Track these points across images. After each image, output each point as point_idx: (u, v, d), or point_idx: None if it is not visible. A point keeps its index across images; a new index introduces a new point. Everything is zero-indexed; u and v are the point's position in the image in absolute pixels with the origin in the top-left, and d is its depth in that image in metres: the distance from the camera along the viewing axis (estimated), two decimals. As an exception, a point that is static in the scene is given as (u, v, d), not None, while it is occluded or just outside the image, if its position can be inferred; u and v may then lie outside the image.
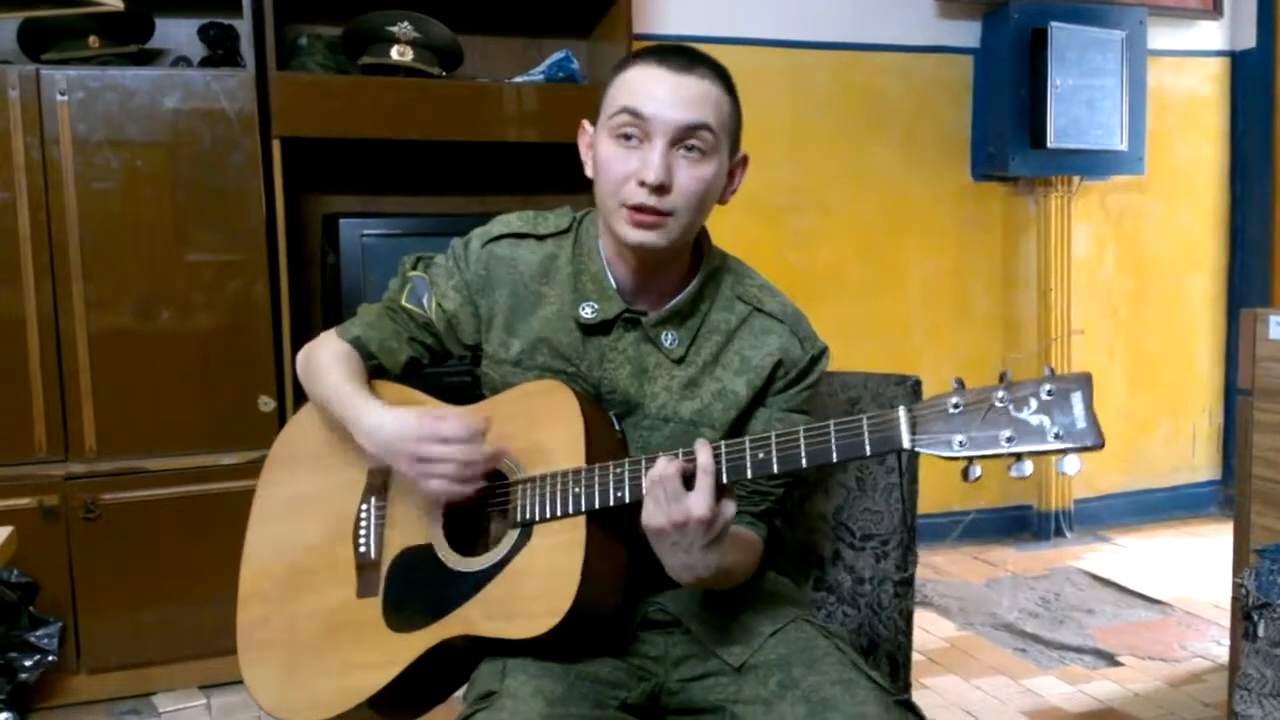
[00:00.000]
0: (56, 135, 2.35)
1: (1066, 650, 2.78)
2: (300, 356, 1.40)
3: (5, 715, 2.27)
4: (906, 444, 1.01)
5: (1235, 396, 3.84)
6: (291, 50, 2.78)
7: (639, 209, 1.19)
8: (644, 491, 1.10)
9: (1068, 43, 3.43)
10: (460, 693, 1.26)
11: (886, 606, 1.46)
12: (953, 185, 3.64)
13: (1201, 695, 2.50)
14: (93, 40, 2.45)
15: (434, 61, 2.70)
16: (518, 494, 1.20)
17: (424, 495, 1.22)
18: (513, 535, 1.20)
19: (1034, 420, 0.96)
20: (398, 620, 1.22)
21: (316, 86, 2.61)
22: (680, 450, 1.11)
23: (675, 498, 1.08)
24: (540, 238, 1.32)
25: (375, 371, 1.37)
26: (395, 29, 2.62)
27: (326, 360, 1.35)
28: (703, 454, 1.08)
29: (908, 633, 1.47)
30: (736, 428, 1.28)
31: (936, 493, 3.41)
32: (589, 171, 1.28)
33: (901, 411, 1.02)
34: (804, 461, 1.07)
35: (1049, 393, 0.96)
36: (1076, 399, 0.95)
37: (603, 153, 1.22)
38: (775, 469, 1.08)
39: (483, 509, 1.26)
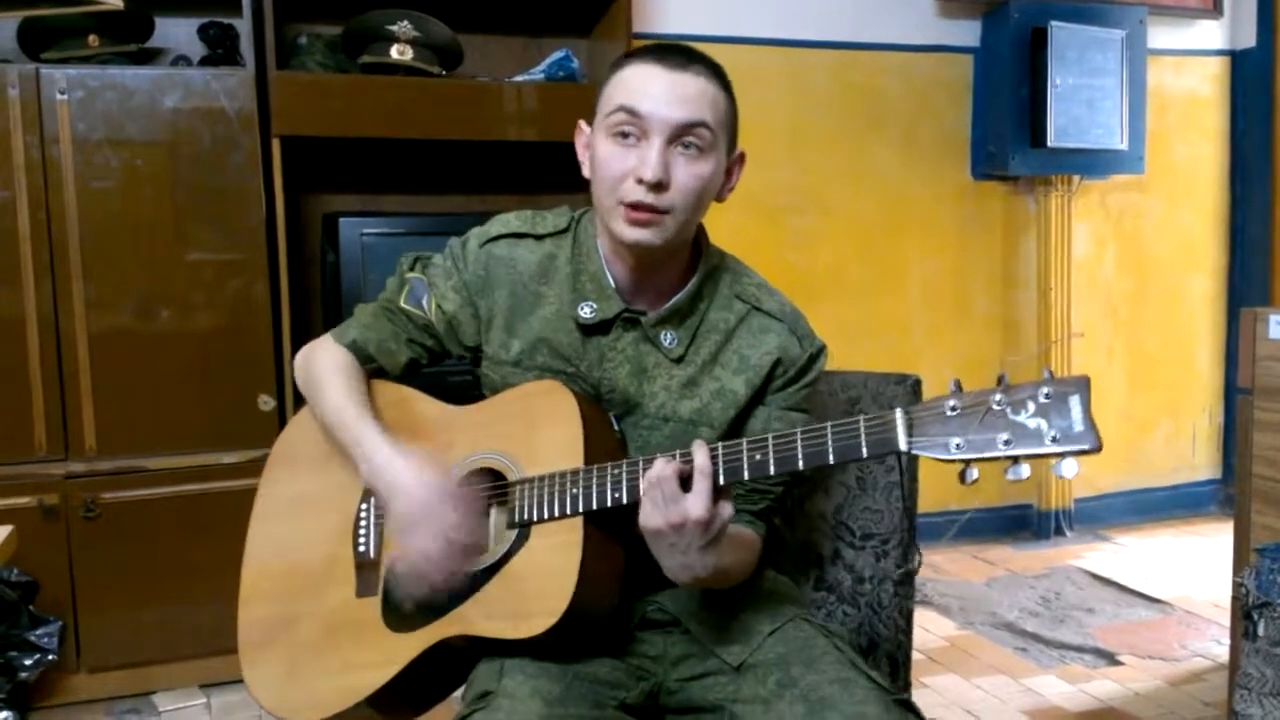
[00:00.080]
0: (56, 134, 2.35)
1: (1067, 649, 2.78)
2: (298, 362, 1.39)
3: (5, 714, 2.27)
4: (903, 446, 1.01)
5: (1235, 395, 3.84)
6: (291, 49, 2.78)
7: (636, 207, 1.18)
8: (641, 493, 1.10)
9: (1068, 42, 3.43)
10: (459, 692, 1.26)
11: (886, 605, 1.46)
12: (953, 185, 3.64)
13: (1201, 694, 2.50)
14: (92, 39, 2.45)
15: (434, 60, 2.70)
16: (516, 494, 1.20)
17: (394, 562, 1.22)
18: (511, 535, 1.20)
19: (1031, 423, 0.96)
20: (396, 620, 1.22)
21: (316, 86, 2.61)
22: (678, 451, 1.11)
23: (673, 499, 1.08)
24: (539, 237, 1.32)
25: (374, 373, 1.36)
26: (395, 28, 2.62)
27: (325, 371, 1.34)
28: (700, 455, 1.08)
29: (908, 632, 1.47)
30: (735, 427, 1.28)
31: (936, 492, 3.41)
32: (586, 172, 1.27)
33: (898, 414, 1.02)
34: (801, 463, 1.07)
35: (1047, 396, 0.96)
36: (1074, 402, 0.95)
37: (600, 151, 1.22)
38: (772, 470, 1.08)
39: (482, 509, 1.26)
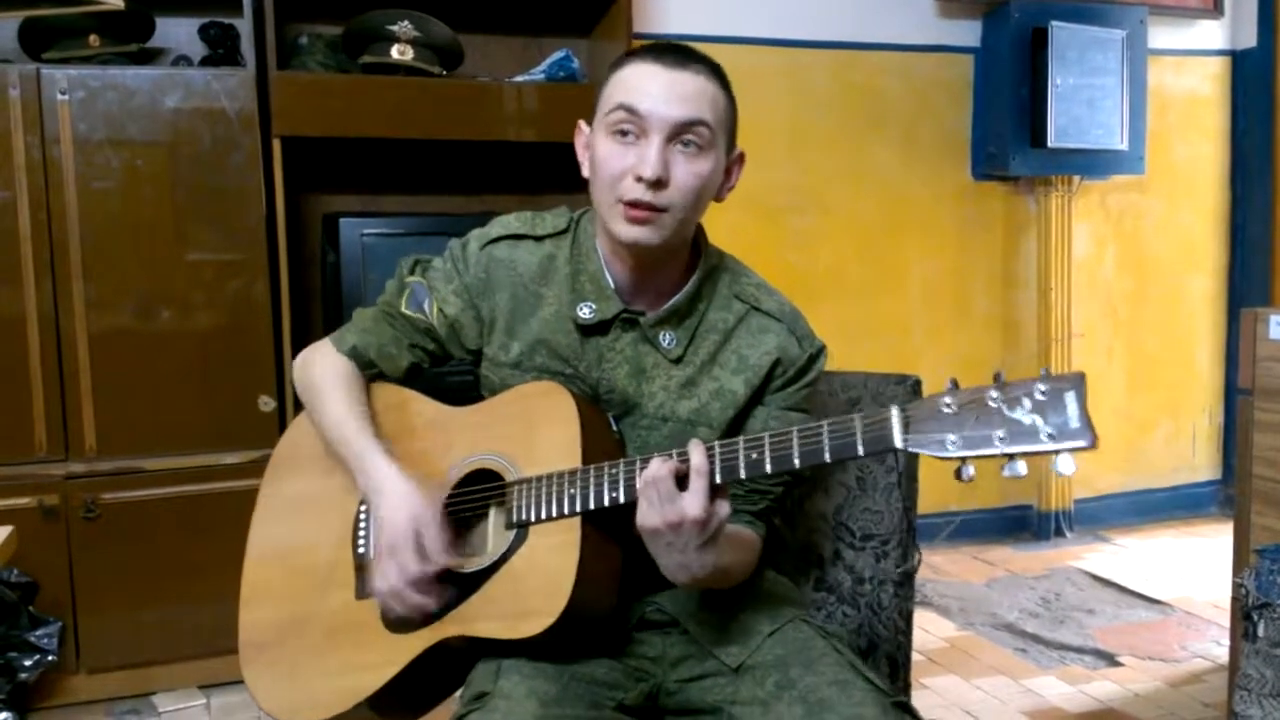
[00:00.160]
0: (57, 134, 2.35)
1: (1067, 650, 2.78)
2: (297, 368, 1.39)
3: (5, 715, 2.27)
4: (899, 443, 1.00)
5: (1235, 396, 3.84)
6: (292, 49, 2.78)
7: (635, 205, 1.18)
8: (638, 492, 1.10)
9: (1068, 42, 3.43)
10: (460, 693, 1.26)
11: (886, 606, 1.46)
12: (953, 185, 3.64)
13: (1201, 695, 2.50)
14: (93, 39, 2.45)
15: (434, 61, 2.70)
16: (514, 495, 1.20)
17: (374, 582, 1.22)
18: (509, 536, 1.20)
19: (1027, 420, 0.96)
20: (395, 621, 1.22)
21: (317, 86, 2.61)
22: (674, 450, 1.11)
23: (669, 499, 1.07)
24: (538, 238, 1.32)
25: (375, 378, 1.36)
26: (396, 28, 2.62)
27: (324, 379, 1.33)
28: (696, 454, 1.08)
29: (908, 633, 1.47)
30: (734, 427, 1.27)
31: (936, 493, 3.41)
32: (585, 172, 1.27)
33: (894, 411, 1.01)
34: (797, 461, 1.06)
35: (1042, 392, 0.95)
36: (1070, 398, 0.94)
37: (600, 150, 1.22)
38: (769, 469, 1.07)
39: (480, 510, 1.26)
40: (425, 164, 3.00)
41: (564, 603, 1.12)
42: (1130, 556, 3.57)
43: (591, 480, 1.15)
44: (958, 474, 0.99)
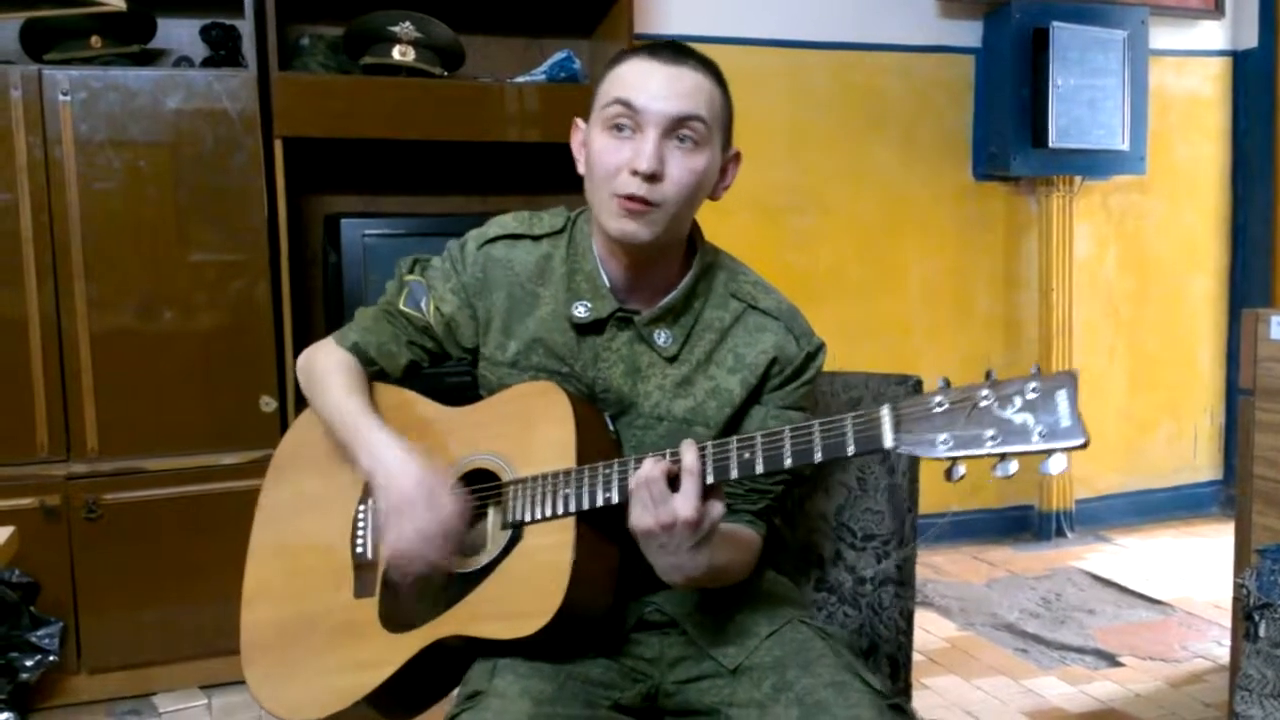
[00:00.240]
0: (59, 135, 2.36)
1: (1067, 650, 2.78)
2: (300, 364, 1.40)
3: (6, 715, 2.27)
4: (890, 444, 1.00)
5: (1237, 396, 3.83)
6: (293, 50, 2.78)
7: (629, 198, 1.18)
8: (630, 494, 1.10)
9: (1069, 42, 3.43)
10: (457, 691, 1.27)
11: (887, 607, 1.46)
12: (954, 185, 3.64)
13: (1202, 696, 2.50)
14: (95, 40, 2.45)
15: (435, 61, 2.70)
16: (510, 495, 1.21)
17: (384, 546, 1.22)
18: (504, 536, 1.20)
19: (1018, 419, 0.95)
20: (393, 620, 1.23)
21: (318, 86, 2.61)
22: (667, 451, 1.11)
23: (661, 500, 1.07)
24: (535, 238, 1.32)
25: (375, 376, 1.37)
26: (397, 29, 2.62)
27: (327, 371, 1.34)
28: (688, 455, 1.08)
29: (908, 633, 1.47)
30: (731, 426, 1.27)
31: (936, 492, 3.41)
32: (581, 169, 1.27)
33: (885, 411, 1.01)
34: (788, 462, 1.06)
35: (1034, 391, 0.94)
36: (1061, 397, 0.94)
37: (595, 145, 1.22)
38: (760, 469, 1.07)
39: (479, 510, 1.26)
40: (426, 165, 3.00)
41: (558, 603, 1.12)
42: (1131, 557, 3.57)
43: (585, 481, 1.15)
44: (948, 474, 0.99)
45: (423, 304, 1.33)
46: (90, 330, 2.41)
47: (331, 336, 1.39)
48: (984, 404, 0.96)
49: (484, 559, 1.20)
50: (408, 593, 1.23)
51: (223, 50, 2.64)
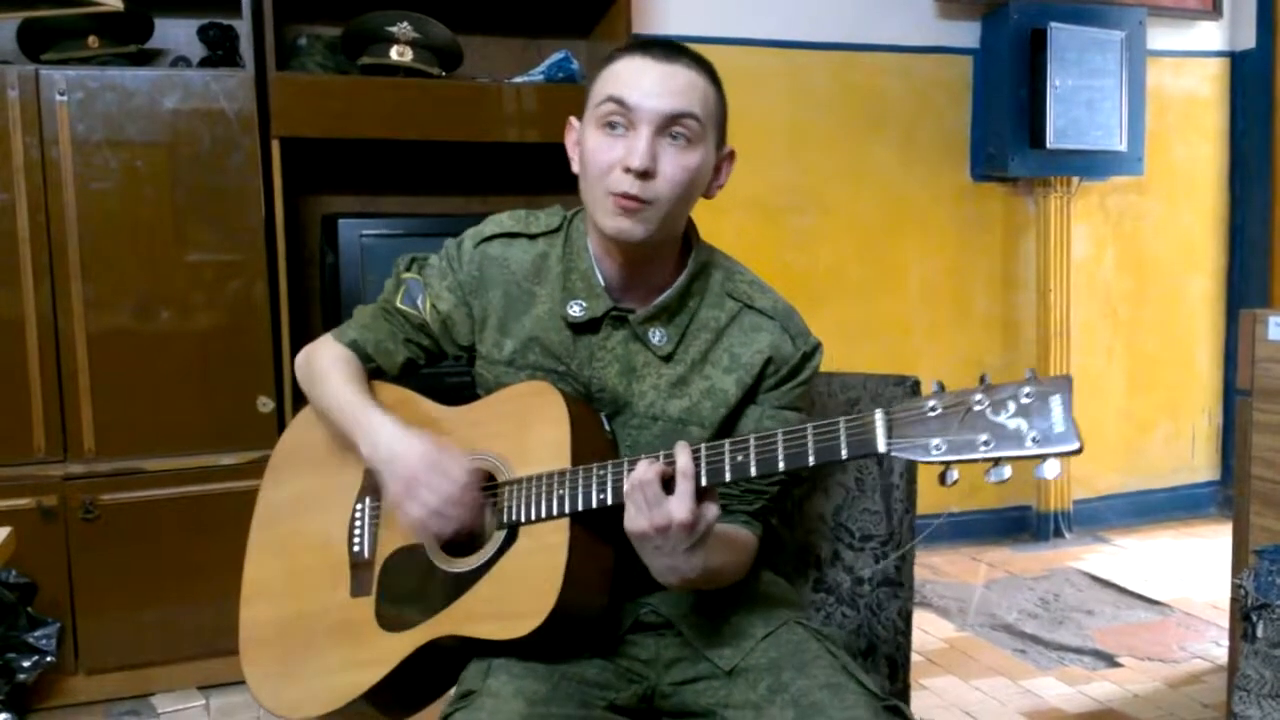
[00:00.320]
0: (56, 135, 2.35)
1: (1066, 651, 2.78)
2: (299, 360, 1.40)
3: (4, 716, 2.26)
4: (882, 448, 1.00)
5: (1234, 397, 3.83)
6: (291, 50, 2.78)
7: (623, 196, 1.18)
8: (625, 496, 1.09)
9: (1067, 43, 3.43)
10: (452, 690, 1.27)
11: (885, 607, 1.46)
12: (952, 185, 3.64)
13: (1200, 696, 2.50)
14: (92, 40, 2.45)
15: (433, 62, 2.70)
16: (505, 495, 1.21)
17: (402, 521, 1.22)
18: (500, 537, 1.20)
19: (1011, 424, 0.94)
20: (389, 619, 1.23)
21: (316, 87, 2.61)
22: (661, 453, 1.10)
23: (655, 502, 1.07)
24: (532, 237, 1.32)
25: (373, 374, 1.37)
26: (395, 29, 2.62)
27: (326, 365, 1.35)
28: (682, 457, 1.08)
29: (906, 634, 1.47)
30: (727, 426, 1.27)
31: (934, 493, 3.40)
32: (575, 167, 1.27)
33: (878, 415, 1.00)
34: (782, 465, 1.06)
35: (1028, 396, 0.94)
36: (1055, 402, 0.93)
37: (589, 143, 1.22)
38: (754, 471, 1.07)
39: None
40: (424, 165, 3.00)
41: (552, 604, 1.12)
42: (1129, 557, 3.57)
43: (580, 482, 1.15)
44: (941, 478, 0.99)
45: (419, 302, 1.33)
46: (87, 330, 2.40)
47: (330, 334, 1.40)
48: (977, 409, 0.96)
49: (478, 559, 1.20)
50: (407, 592, 1.23)
51: (220, 50, 2.64)
